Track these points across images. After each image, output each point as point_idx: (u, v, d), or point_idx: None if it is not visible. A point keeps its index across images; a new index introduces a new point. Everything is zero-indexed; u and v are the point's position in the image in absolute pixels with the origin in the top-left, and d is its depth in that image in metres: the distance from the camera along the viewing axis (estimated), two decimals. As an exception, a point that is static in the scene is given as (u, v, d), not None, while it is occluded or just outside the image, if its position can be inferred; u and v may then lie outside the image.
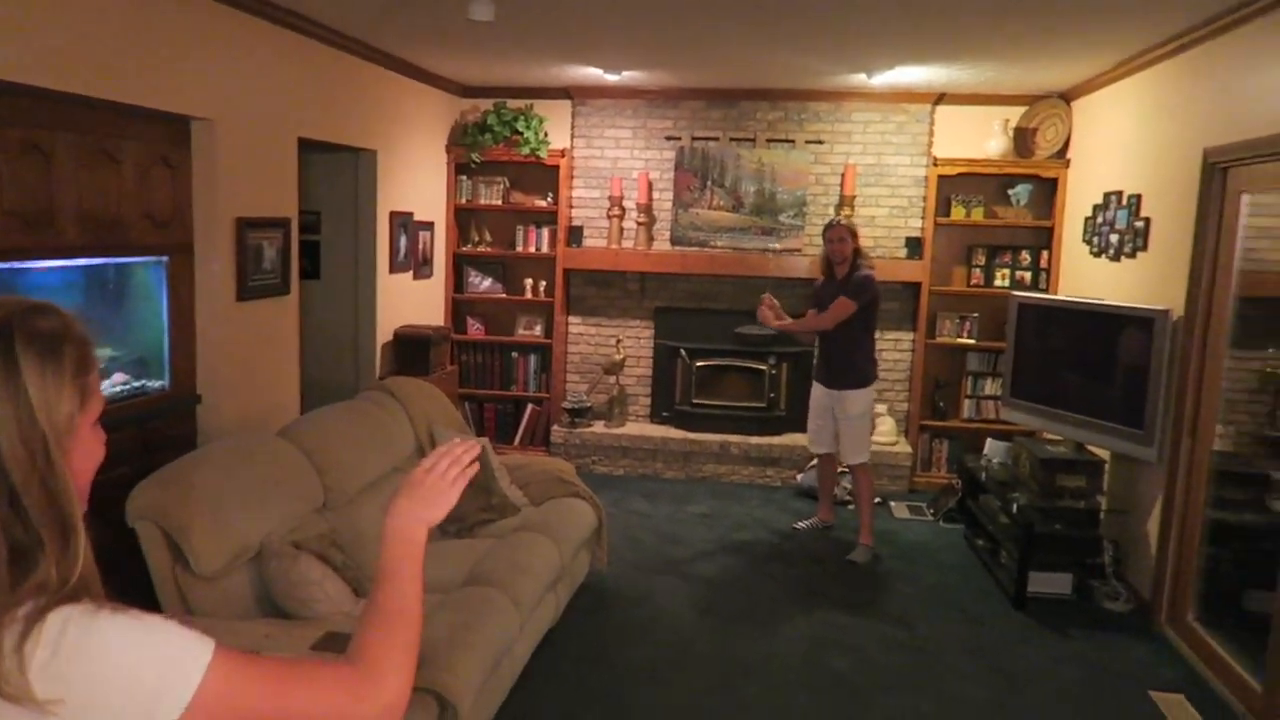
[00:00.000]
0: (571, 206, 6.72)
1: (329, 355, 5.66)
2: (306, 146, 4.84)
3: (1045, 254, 6.17)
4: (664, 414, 6.69)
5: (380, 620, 1.13)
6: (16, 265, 3.32)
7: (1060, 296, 5.61)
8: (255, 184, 4.36)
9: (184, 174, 4.02)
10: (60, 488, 0.91)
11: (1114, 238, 5.13)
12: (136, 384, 3.88)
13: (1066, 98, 6.06)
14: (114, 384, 3.78)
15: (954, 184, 6.28)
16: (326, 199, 5.63)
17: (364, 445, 3.73)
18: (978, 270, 6.32)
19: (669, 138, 6.59)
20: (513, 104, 6.58)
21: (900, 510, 5.90)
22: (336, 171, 5.59)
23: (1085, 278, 5.59)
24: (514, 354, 6.83)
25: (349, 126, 5.25)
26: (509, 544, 3.79)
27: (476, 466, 1.25)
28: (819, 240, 6.36)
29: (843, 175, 6.36)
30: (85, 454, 0.98)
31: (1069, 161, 6.03)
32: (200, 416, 4.12)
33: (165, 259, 3.97)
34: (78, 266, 3.65)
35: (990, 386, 6.31)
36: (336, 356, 5.71)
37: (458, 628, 3.02)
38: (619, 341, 6.69)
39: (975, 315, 6.31)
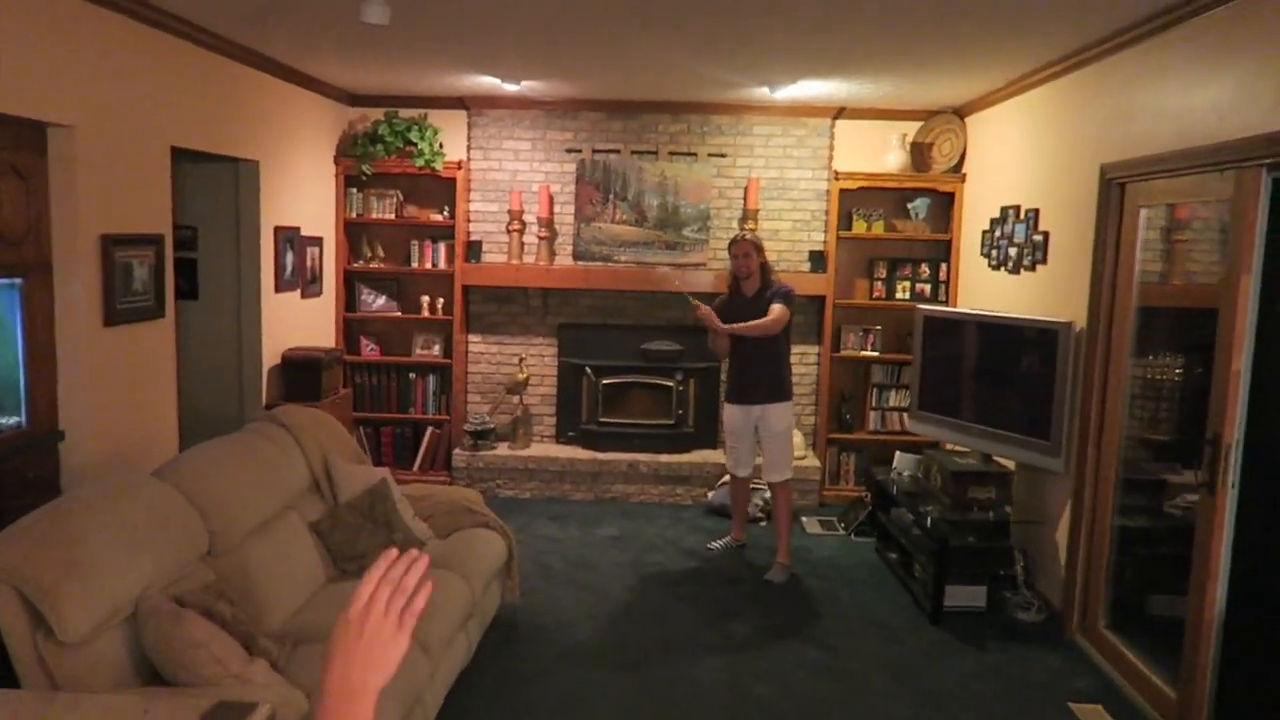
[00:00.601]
0: (469, 220, 6.47)
1: (210, 382, 5.25)
2: (180, 156, 4.47)
3: (944, 266, 6.26)
4: (570, 433, 6.49)
5: None
6: None
7: (966, 309, 5.66)
8: (123, 197, 3.98)
9: (39, 186, 3.63)
10: None
11: (1012, 251, 5.22)
12: (-13, 421, 3.47)
13: (960, 113, 6.17)
14: (-40, 422, 3.37)
15: (855, 197, 6.31)
16: (204, 213, 5.23)
17: (252, 483, 3.41)
18: (879, 283, 6.37)
19: (569, 150, 6.42)
20: (405, 113, 6.29)
21: (812, 525, 5.86)
22: (214, 183, 5.20)
23: (984, 290, 5.67)
24: (411, 375, 6.52)
25: (227, 135, 4.89)
26: (415, 583, 3.53)
27: (429, 587, 0.99)
28: (724, 254, 6.30)
29: (746, 189, 6.32)
30: None
31: (965, 176, 6.13)
32: (64, 454, 3.72)
33: (19, 281, 3.56)
34: (-86, 290, 3.23)
35: (895, 398, 6.35)
36: (218, 383, 5.30)
37: (363, 682, 2.76)
38: (522, 360, 6.46)
39: (878, 328, 6.35)
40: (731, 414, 5.11)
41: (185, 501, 3.04)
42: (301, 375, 5.49)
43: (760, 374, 4.94)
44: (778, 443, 4.96)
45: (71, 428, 3.73)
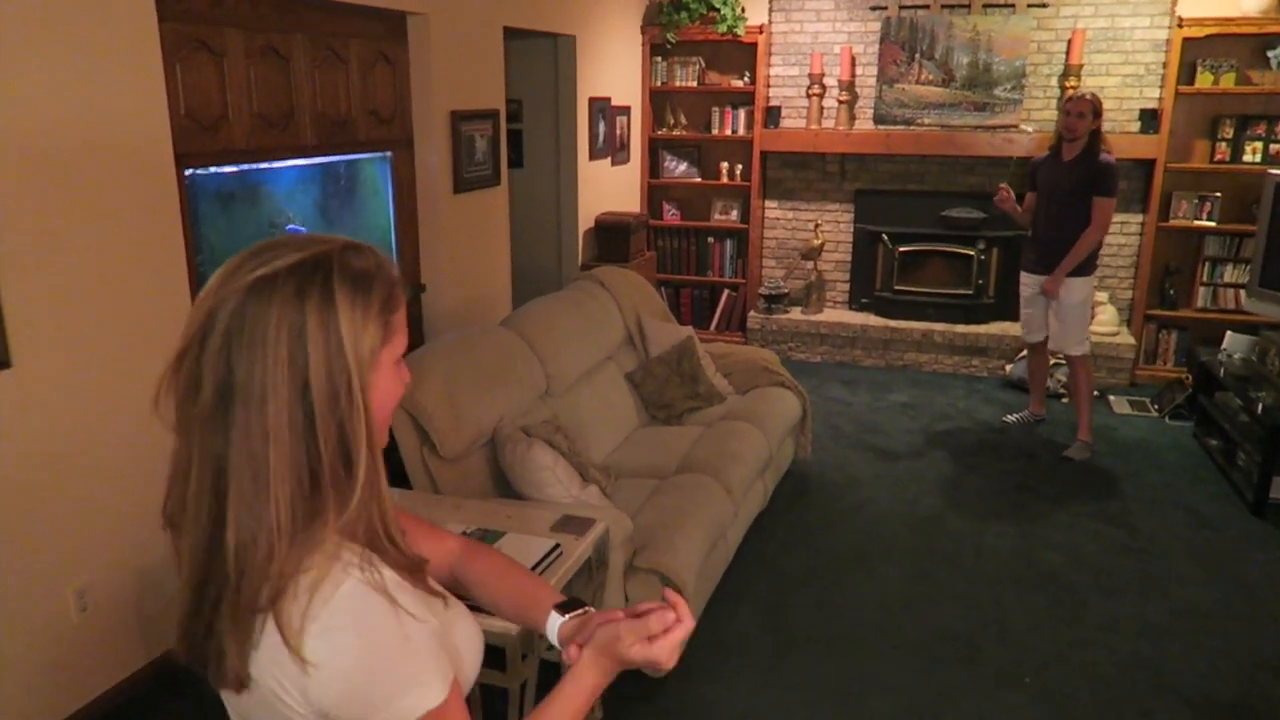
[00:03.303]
0: (769, 86, 6.50)
1: (534, 243, 5.82)
2: (509, 35, 4.87)
3: (1308, 123, 5.47)
4: (863, 300, 6.53)
5: None
6: (265, 165, 3.57)
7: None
8: (466, 76, 4.44)
9: (402, 70, 4.15)
10: (355, 419, 0.92)
11: (1401, 104, 4.48)
12: (370, 275, 4.13)
13: (1350, -63, 5.23)
14: (351, 275, 4.04)
15: (1201, 46, 5.60)
16: (527, 87, 5.68)
17: (580, 335, 3.86)
18: (1224, 144, 5.69)
19: (874, 8, 6.19)
20: (709, -21, 6.35)
21: (1120, 405, 5.57)
22: (536, 59, 5.61)
23: (1358, 150, 4.92)
24: (709, 239, 6.80)
25: (549, 12, 5.23)
26: (718, 432, 3.87)
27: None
28: (1038, 115, 5.93)
29: (1069, 42, 5.82)
30: (385, 391, 0.98)
31: (1346, 14, 5.25)
32: (425, 304, 4.37)
33: (389, 154, 4.16)
34: (315, 164, 3.88)
35: (1231, 274, 5.75)
36: (540, 244, 5.87)
37: (676, 513, 3.14)
38: (817, 226, 6.52)
39: (1217, 195, 5.71)
40: (1024, 281, 4.94)
41: (528, 348, 3.52)
42: (611, 238, 5.93)
43: (1057, 246, 4.67)
44: (1071, 315, 4.72)
45: (431, 282, 4.36)
